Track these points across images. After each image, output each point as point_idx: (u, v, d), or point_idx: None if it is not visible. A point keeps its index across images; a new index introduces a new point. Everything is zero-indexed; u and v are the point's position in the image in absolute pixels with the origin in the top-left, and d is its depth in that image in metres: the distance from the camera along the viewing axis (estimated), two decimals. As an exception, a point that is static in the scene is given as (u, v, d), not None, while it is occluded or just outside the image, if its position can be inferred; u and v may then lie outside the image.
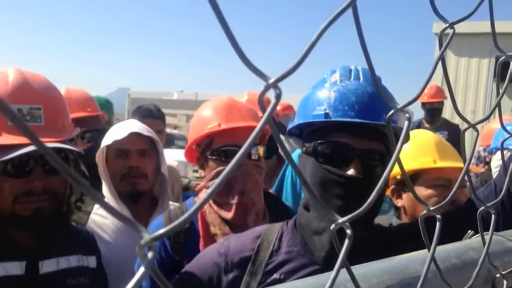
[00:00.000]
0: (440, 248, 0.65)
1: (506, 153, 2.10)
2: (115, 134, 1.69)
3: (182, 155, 1.70)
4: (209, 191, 0.29)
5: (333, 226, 0.40)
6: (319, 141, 1.04)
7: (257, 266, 1.07)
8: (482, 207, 0.68)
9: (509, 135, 0.73)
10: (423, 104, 5.18)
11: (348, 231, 0.39)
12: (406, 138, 0.53)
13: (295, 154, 1.82)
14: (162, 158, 1.80)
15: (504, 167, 0.94)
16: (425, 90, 5.18)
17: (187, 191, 2.90)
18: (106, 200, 1.70)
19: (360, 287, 0.45)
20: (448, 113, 6.48)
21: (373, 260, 0.61)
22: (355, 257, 0.60)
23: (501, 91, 0.65)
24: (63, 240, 1.28)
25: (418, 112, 5.53)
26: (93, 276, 1.33)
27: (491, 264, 0.68)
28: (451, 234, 0.73)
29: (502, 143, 0.74)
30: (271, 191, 2.61)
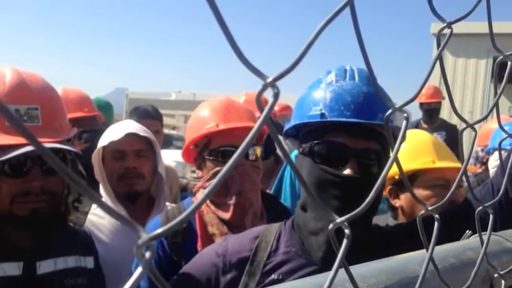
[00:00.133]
0: (438, 248, 0.65)
1: (504, 154, 2.10)
2: (111, 134, 1.69)
3: (180, 155, 1.70)
4: (206, 191, 0.29)
5: (331, 226, 0.40)
6: (316, 142, 1.04)
7: (255, 267, 1.07)
8: (481, 207, 0.68)
9: (506, 136, 0.73)
10: (421, 105, 5.19)
11: (346, 231, 0.39)
12: (404, 139, 0.53)
13: (293, 155, 1.82)
14: (159, 158, 1.79)
15: (502, 166, 0.94)
16: (423, 91, 5.20)
17: (186, 192, 2.90)
18: (103, 200, 1.69)
19: (358, 287, 0.44)
20: (445, 113, 6.49)
21: (371, 260, 0.61)
22: (354, 257, 0.60)
23: (499, 91, 0.65)
24: (60, 241, 1.28)
25: (416, 112, 5.55)
26: (90, 277, 1.32)
27: (490, 264, 0.68)
28: (448, 234, 0.73)
29: (500, 143, 0.74)
30: (270, 191, 2.61)
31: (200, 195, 1.62)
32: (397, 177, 1.66)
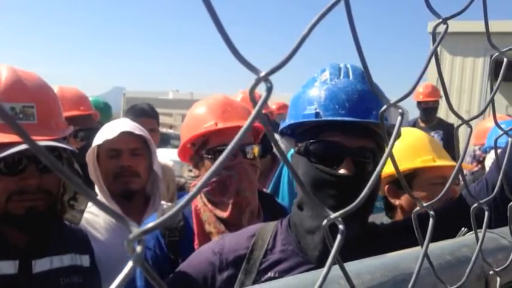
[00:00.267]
0: (433, 245, 0.65)
1: (500, 151, 2.11)
2: (106, 133, 1.68)
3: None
4: (198, 184, 0.29)
5: (325, 222, 0.40)
6: (311, 141, 1.04)
7: (251, 265, 1.07)
8: (476, 204, 0.68)
9: (502, 133, 0.73)
10: (419, 103, 5.20)
11: (341, 227, 0.39)
12: (398, 135, 0.53)
13: (289, 154, 1.83)
14: (154, 156, 1.79)
15: (497, 163, 0.94)
16: (421, 90, 5.21)
17: (183, 191, 2.90)
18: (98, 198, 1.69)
19: (352, 283, 0.44)
20: (443, 112, 6.50)
21: (368, 257, 0.61)
22: (350, 254, 0.60)
23: (494, 88, 0.65)
24: (56, 239, 1.27)
25: (413, 111, 5.55)
26: (86, 275, 1.32)
27: (485, 261, 0.68)
28: (442, 230, 0.73)
29: (496, 140, 0.74)
30: (267, 190, 2.61)
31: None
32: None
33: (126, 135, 1.67)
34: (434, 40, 0.53)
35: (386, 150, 0.47)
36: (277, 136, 1.67)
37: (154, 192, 1.83)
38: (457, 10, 0.57)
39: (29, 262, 1.19)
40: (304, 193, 0.99)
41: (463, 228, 0.79)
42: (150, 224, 0.27)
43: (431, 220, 0.53)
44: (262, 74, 0.32)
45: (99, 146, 1.70)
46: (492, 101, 0.66)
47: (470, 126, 0.59)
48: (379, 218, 1.72)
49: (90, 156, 1.69)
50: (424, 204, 0.53)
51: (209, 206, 1.49)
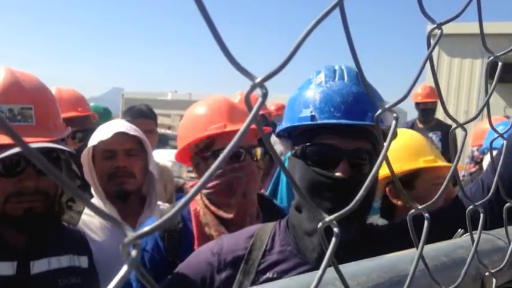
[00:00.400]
0: (429, 246, 0.65)
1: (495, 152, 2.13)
2: (101, 134, 1.68)
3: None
4: (195, 187, 0.29)
5: (320, 224, 0.40)
6: (307, 144, 1.05)
7: (250, 265, 1.07)
8: (471, 206, 0.69)
9: (497, 136, 0.73)
10: (417, 104, 5.21)
11: (335, 230, 0.39)
12: (394, 137, 0.54)
13: (287, 157, 1.83)
14: (150, 157, 1.78)
15: (493, 165, 0.95)
16: (419, 91, 5.22)
17: (182, 192, 2.90)
18: (93, 200, 1.69)
19: (347, 285, 0.45)
20: (441, 113, 6.51)
21: (367, 258, 0.62)
22: (348, 255, 0.61)
23: (489, 91, 0.65)
24: (54, 240, 1.27)
25: (411, 112, 5.56)
26: (85, 276, 1.32)
27: (481, 263, 0.68)
28: (438, 232, 0.73)
29: (491, 142, 0.75)
30: (266, 191, 2.62)
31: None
32: (399, 175, 1.67)
33: (120, 135, 1.67)
34: (429, 45, 0.54)
35: (382, 153, 0.47)
36: (275, 138, 1.67)
37: (150, 192, 1.82)
38: (454, 12, 0.57)
39: (27, 263, 1.19)
40: (300, 196, 0.99)
41: (459, 230, 0.80)
42: (146, 228, 0.27)
43: (426, 222, 0.53)
44: (258, 80, 0.33)
45: (94, 147, 1.70)
46: (487, 103, 0.67)
47: (465, 130, 0.59)
48: (374, 220, 1.73)
49: (85, 157, 1.69)
50: (419, 207, 0.54)
51: (212, 207, 1.48)
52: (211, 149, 1.49)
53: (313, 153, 1.04)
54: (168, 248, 1.43)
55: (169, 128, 15.11)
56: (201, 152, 1.52)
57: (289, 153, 1.18)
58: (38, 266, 1.21)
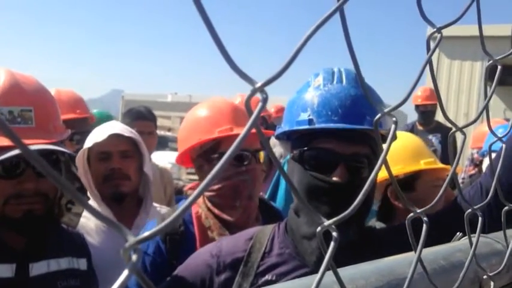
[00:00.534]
0: (427, 250, 0.65)
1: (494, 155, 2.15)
2: (96, 136, 1.68)
3: (176, 157, 1.68)
4: (196, 191, 0.29)
5: (319, 229, 0.41)
6: (304, 148, 1.05)
7: (249, 267, 1.07)
8: (470, 210, 0.69)
9: (497, 139, 0.74)
10: (417, 107, 5.21)
11: (334, 234, 0.40)
12: (393, 141, 0.54)
13: (286, 159, 1.84)
14: (145, 158, 1.78)
15: (491, 168, 0.95)
16: (419, 93, 5.22)
17: (181, 195, 2.90)
18: (89, 202, 1.69)
19: (346, 288, 0.45)
20: (441, 115, 6.49)
21: (367, 261, 0.62)
22: (348, 259, 0.61)
23: (488, 93, 0.66)
24: (53, 243, 1.27)
25: (411, 115, 5.56)
26: (83, 279, 1.32)
27: (479, 266, 0.68)
28: (436, 235, 0.73)
29: (490, 146, 0.75)
30: (265, 194, 2.61)
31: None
32: (400, 176, 1.68)
33: (115, 137, 1.66)
34: (428, 48, 0.54)
35: (381, 156, 0.47)
36: (274, 140, 1.68)
37: (145, 194, 1.82)
38: (454, 15, 0.57)
39: (26, 265, 1.19)
40: (299, 200, 1.00)
41: (458, 233, 0.80)
42: (147, 233, 0.27)
43: (424, 226, 0.54)
44: (258, 84, 0.33)
45: (89, 149, 1.70)
46: (486, 107, 0.67)
47: (464, 133, 0.59)
48: (371, 223, 1.73)
49: (80, 159, 1.68)
50: (418, 211, 0.54)
51: (215, 210, 1.47)
52: (217, 151, 1.48)
53: (310, 157, 1.04)
54: (170, 251, 1.42)
55: (169, 130, 15.11)
56: (204, 154, 1.51)
57: (288, 156, 1.18)
58: (37, 268, 1.21)
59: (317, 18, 0.39)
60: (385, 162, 0.48)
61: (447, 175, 1.73)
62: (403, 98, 0.51)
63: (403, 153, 1.66)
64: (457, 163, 0.60)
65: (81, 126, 2.62)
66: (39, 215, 1.17)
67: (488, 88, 0.73)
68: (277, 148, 3.69)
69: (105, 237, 1.67)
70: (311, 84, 1.08)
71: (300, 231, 1.05)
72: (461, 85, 8.12)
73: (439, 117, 5.58)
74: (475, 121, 0.63)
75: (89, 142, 1.68)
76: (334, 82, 1.06)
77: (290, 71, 0.35)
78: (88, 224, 1.67)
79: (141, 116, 2.84)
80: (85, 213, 1.64)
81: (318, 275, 0.38)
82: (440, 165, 1.70)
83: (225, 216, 1.46)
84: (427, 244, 0.58)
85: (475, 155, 3.48)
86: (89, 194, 1.71)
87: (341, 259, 0.51)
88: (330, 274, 0.44)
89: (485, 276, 0.70)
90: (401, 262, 0.60)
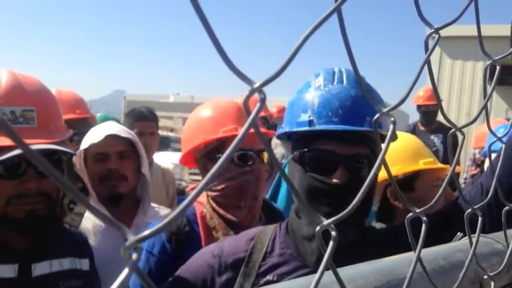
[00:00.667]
0: (427, 250, 0.65)
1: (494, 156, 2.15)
2: (92, 137, 1.68)
3: (178, 157, 1.68)
4: (195, 190, 0.30)
5: (318, 228, 0.41)
6: (305, 150, 1.05)
7: (250, 268, 1.07)
8: (470, 209, 0.69)
9: (496, 139, 0.74)
10: (419, 107, 5.21)
11: (333, 233, 0.40)
12: (392, 141, 0.54)
13: (287, 160, 1.84)
14: (142, 159, 1.77)
15: (491, 168, 0.95)
16: (421, 93, 5.22)
17: (183, 195, 2.90)
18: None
19: (345, 288, 0.45)
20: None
21: (367, 261, 0.62)
22: (347, 258, 0.61)
23: (488, 93, 0.66)
24: (56, 243, 1.27)
25: (413, 115, 5.55)
26: (86, 279, 1.32)
27: (479, 266, 0.69)
28: (436, 235, 0.74)
29: (490, 146, 0.75)
30: (267, 194, 2.61)
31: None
32: (400, 177, 1.68)
33: (112, 138, 1.66)
34: (426, 49, 0.54)
35: (380, 156, 0.48)
36: (276, 140, 1.67)
37: (144, 195, 1.81)
38: (453, 15, 0.58)
39: (28, 266, 1.19)
40: (299, 201, 1.00)
41: (458, 233, 0.80)
42: (147, 232, 0.28)
43: (423, 226, 0.54)
44: (256, 85, 0.33)
45: (86, 150, 1.70)
46: (486, 107, 0.67)
47: (463, 133, 0.60)
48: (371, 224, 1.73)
49: (76, 160, 1.67)
50: (417, 210, 0.54)
51: (220, 210, 1.48)
52: (222, 151, 1.48)
53: (310, 159, 1.04)
54: (176, 251, 1.42)
55: (171, 130, 15.11)
56: (209, 154, 1.51)
57: (289, 157, 1.18)
58: (40, 269, 1.21)
59: (315, 19, 0.39)
60: (384, 162, 0.49)
61: (446, 175, 1.75)
62: (402, 98, 0.51)
63: (402, 153, 1.66)
64: (456, 164, 0.60)
65: (81, 126, 2.62)
66: (41, 215, 1.17)
67: (488, 87, 0.73)
68: (279, 148, 3.69)
69: (102, 238, 1.66)
70: (311, 84, 1.08)
71: (300, 232, 1.06)
72: (463, 85, 8.12)
73: (440, 117, 5.58)
74: (474, 121, 0.63)
75: (86, 143, 1.68)
76: (335, 82, 1.06)
77: (289, 72, 0.36)
78: (85, 224, 1.68)
79: (143, 117, 2.84)
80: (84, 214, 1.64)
81: (317, 274, 0.38)
82: (440, 165, 1.71)
83: (229, 217, 1.46)
84: (427, 244, 0.58)
85: (477, 155, 3.48)
86: None
87: (341, 259, 0.52)
88: (329, 274, 0.45)
89: (485, 276, 0.70)
90: (401, 262, 0.60)
